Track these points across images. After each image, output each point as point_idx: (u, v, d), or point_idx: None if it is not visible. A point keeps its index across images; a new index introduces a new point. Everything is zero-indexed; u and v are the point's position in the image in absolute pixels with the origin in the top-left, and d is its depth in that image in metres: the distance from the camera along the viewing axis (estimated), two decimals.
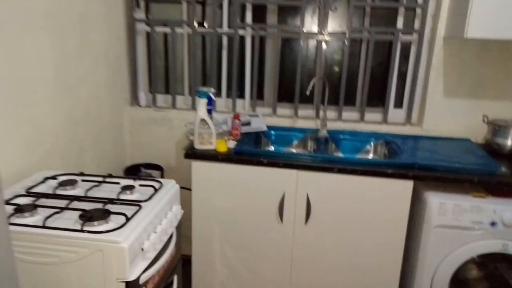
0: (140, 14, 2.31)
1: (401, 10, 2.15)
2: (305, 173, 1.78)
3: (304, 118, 2.30)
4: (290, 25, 2.27)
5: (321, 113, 2.28)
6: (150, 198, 1.36)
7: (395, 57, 2.18)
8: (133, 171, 2.36)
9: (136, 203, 1.30)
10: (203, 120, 1.82)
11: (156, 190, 1.43)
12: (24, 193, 1.33)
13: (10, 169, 1.45)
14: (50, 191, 1.38)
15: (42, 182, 1.44)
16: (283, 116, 2.33)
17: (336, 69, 2.31)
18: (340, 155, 2.13)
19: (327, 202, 1.81)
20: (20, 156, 1.50)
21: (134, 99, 2.42)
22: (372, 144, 2.14)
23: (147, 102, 2.45)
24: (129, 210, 1.25)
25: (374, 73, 2.25)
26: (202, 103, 1.81)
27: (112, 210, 1.23)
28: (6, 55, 1.40)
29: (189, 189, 1.92)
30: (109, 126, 2.19)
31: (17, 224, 1.14)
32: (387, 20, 2.22)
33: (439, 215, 1.66)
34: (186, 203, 1.85)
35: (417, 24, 2.15)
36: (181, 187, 1.60)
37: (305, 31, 2.19)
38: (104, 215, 1.20)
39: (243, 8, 2.25)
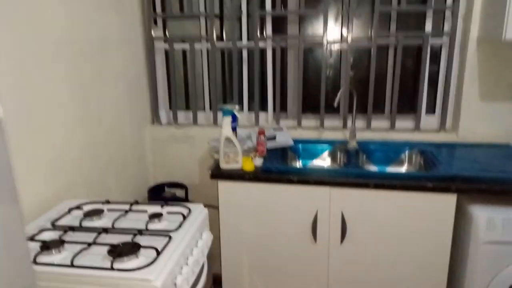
0: (158, 32, 2.26)
1: (429, 13, 2.05)
2: (339, 190, 1.69)
3: (331, 129, 2.20)
4: (312, 34, 2.19)
5: (348, 123, 2.18)
6: (179, 226, 1.28)
7: (425, 62, 2.06)
8: (157, 191, 2.31)
9: (165, 233, 1.23)
10: (228, 139, 1.75)
11: (184, 217, 1.36)
12: (49, 226, 1.28)
13: (34, 200, 1.40)
14: (77, 223, 1.32)
15: (68, 213, 1.39)
16: (308, 128, 2.23)
17: (362, 76, 2.21)
18: (373, 167, 2.03)
19: (364, 220, 1.70)
20: (43, 186, 1.45)
21: (155, 118, 2.37)
22: (405, 154, 2.03)
23: (168, 120, 2.40)
24: (159, 241, 1.18)
25: (403, 79, 2.14)
26: (226, 121, 1.74)
27: (141, 242, 1.16)
28: (22, 86, 1.36)
29: (215, 207, 1.84)
30: (131, 147, 2.14)
31: (44, 264, 1.08)
32: (414, 23, 2.11)
33: (487, 230, 1.54)
34: (212, 221, 1.77)
35: (447, 27, 2.04)
36: (206, 205, 1.52)
37: (327, 39, 2.10)
38: (133, 249, 1.13)
39: (262, 20, 2.18)
